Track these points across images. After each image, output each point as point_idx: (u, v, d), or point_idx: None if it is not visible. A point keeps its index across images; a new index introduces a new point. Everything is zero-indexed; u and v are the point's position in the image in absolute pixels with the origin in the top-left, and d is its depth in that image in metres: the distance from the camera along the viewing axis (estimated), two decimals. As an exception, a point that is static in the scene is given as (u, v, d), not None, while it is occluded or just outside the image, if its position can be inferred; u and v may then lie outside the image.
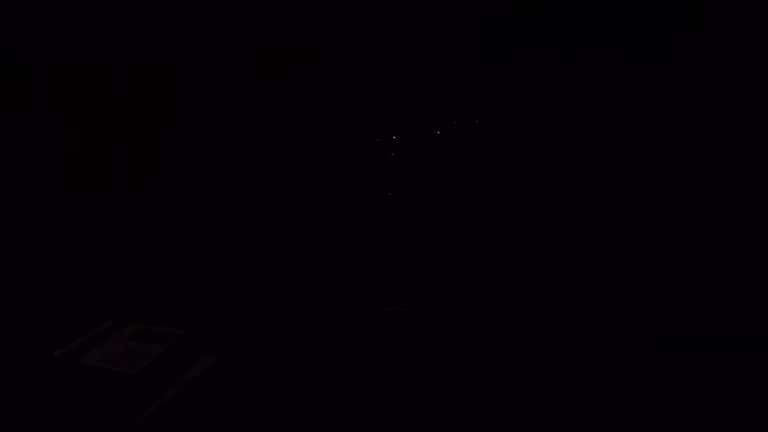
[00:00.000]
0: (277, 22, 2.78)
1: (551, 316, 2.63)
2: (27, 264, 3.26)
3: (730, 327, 2.33)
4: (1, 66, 3.18)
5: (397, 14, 2.64)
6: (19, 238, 3.26)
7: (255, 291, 3.10)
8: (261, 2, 2.67)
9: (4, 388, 2.23)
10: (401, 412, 2.20)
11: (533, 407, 2.18)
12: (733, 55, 2.29)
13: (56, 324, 2.88)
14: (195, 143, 3.19)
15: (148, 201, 3.30)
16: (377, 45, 2.78)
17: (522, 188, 2.68)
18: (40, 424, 2.00)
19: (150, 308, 3.25)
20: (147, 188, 3.30)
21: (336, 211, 3.02)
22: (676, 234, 2.43)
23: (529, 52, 2.59)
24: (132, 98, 3.24)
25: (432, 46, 2.72)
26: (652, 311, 2.48)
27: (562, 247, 2.62)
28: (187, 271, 3.24)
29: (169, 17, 2.83)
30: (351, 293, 2.96)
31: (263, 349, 2.95)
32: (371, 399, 2.33)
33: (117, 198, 3.35)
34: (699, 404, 2.04)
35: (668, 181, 2.43)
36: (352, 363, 2.73)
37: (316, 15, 2.71)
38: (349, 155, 2.98)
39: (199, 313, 3.16)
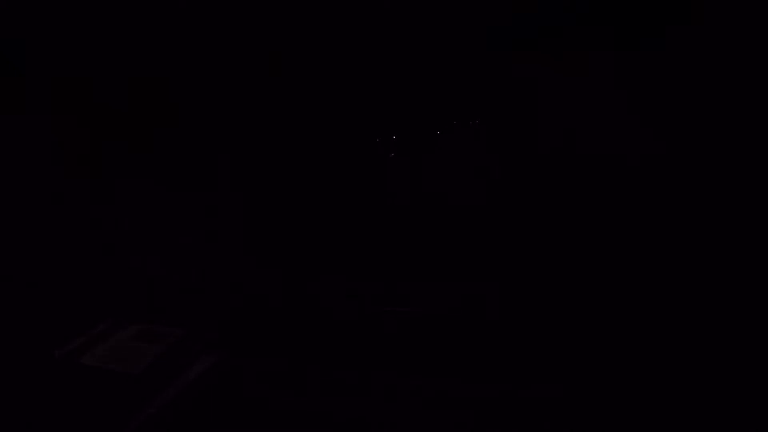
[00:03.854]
0: (277, 22, 2.78)
1: (551, 316, 2.63)
2: (26, 264, 3.26)
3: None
4: (1, 66, 3.18)
5: (397, 14, 2.64)
6: (19, 238, 3.26)
7: (255, 291, 3.10)
8: (261, 2, 2.67)
9: (4, 388, 2.23)
10: (401, 412, 2.20)
11: (532, 407, 2.18)
12: (733, 55, 2.30)
13: (56, 324, 2.88)
14: (195, 143, 3.19)
15: (148, 201, 3.30)
16: (377, 45, 2.78)
17: (522, 188, 2.68)
18: (40, 424, 2.00)
19: (150, 308, 3.25)
20: (147, 188, 3.30)
21: (336, 212, 3.02)
22: (676, 234, 2.43)
23: (529, 52, 2.59)
24: (132, 98, 3.24)
25: (432, 46, 2.72)
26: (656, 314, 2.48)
27: (562, 247, 2.62)
28: (187, 271, 3.24)
29: (169, 17, 2.83)
30: (350, 292, 2.96)
31: (263, 349, 2.95)
32: (371, 399, 2.33)
33: (117, 198, 3.35)
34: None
35: (668, 180, 2.43)
36: (352, 363, 2.73)
37: (317, 15, 2.71)
38: (348, 155, 2.98)
39: (199, 313, 3.16)
